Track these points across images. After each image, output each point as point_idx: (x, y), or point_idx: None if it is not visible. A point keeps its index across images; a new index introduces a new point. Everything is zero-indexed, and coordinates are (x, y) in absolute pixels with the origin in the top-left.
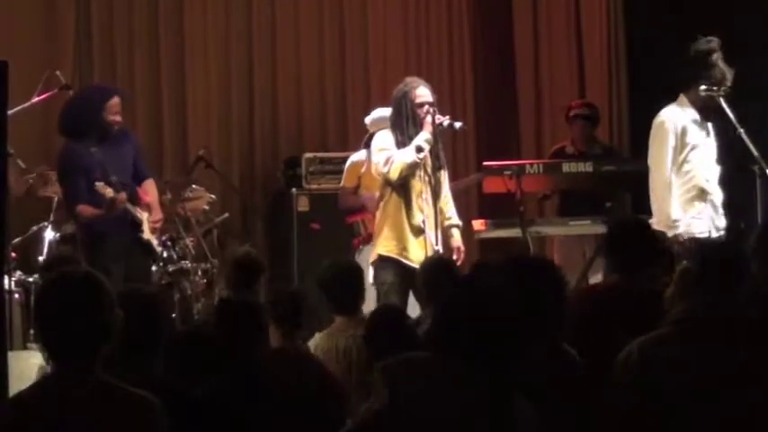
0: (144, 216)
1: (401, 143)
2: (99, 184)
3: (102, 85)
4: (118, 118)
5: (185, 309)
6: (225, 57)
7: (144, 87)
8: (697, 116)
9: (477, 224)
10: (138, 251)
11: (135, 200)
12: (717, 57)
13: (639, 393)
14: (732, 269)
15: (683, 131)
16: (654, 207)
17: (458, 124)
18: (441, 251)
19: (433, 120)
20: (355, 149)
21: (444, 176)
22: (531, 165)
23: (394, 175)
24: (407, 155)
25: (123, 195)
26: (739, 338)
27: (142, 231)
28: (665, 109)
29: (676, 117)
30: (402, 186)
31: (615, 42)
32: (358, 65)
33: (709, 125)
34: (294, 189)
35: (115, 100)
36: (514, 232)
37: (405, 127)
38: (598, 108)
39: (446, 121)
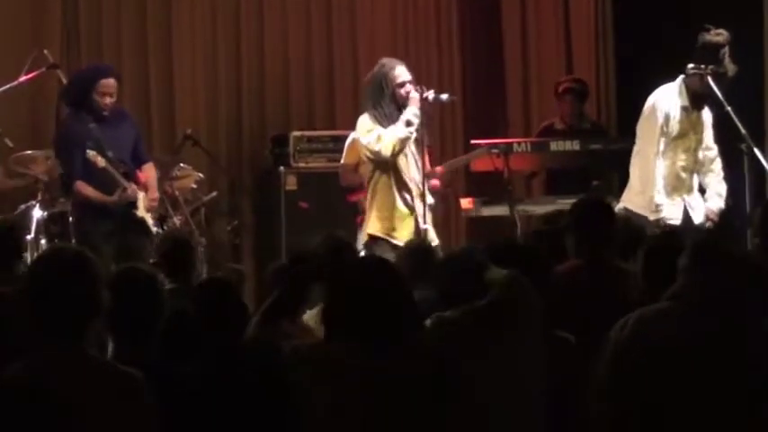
0: (140, 194)
1: (385, 123)
2: (90, 153)
3: (99, 65)
4: (107, 100)
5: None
6: (212, 35)
7: (131, 66)
8: (687, 104)
9: (465, 202)
10: (132, 228)
11: (132, 179)
12: (724, 52)
13: (632, 365)
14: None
15: (672, 117)
16: (634, 188)
17: (444, 96)
18: (428, 230)
19: (420, 95)
20: (343, 128)
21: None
22: (519, 143)
23: (387, 151)
24: (399, 130)
25: (134, 188)
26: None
27: (136, 209)
28: (660, 89)
29: (669, 101)
30: (389, 165)
31: (602, 17)
32: (345, 42)
33: (703, 116)
34: (282, 168)
35: (106, 81)
36: (502, 210)
37: (387, 107)
38: (587, 83)
39: (431, 94)
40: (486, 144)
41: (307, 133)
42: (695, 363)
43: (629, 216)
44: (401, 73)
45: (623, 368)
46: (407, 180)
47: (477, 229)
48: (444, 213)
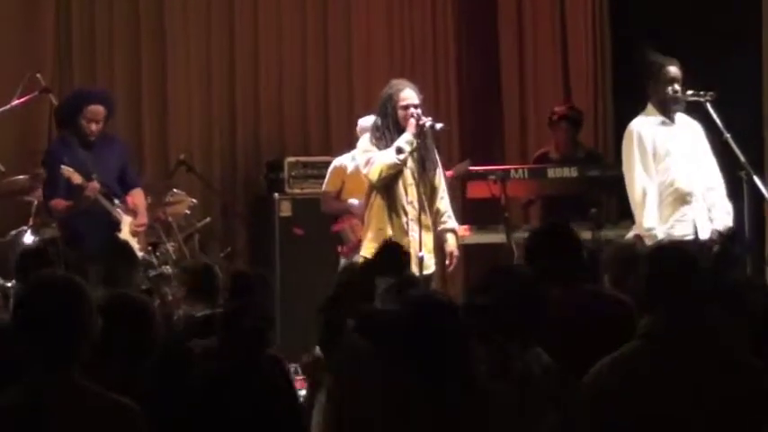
0: (126, 219)
1: (382, 146)
2: (65, 169)
3: (90, 89)
4: (93, 126)
5: (166, 315)
6: (206, 59)
7: (124, 90)
8: (664, 119)
9: (461, 230)
10: (115, 252)
11: (123, 205)
12: (668, 72)
13: (608, 414)
14: (690, 275)
15: (651, 140)
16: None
17: (438, 125)
18: (424, 257)
19: (417, 122)
20: (339, 153)
21: (439, 178)
22: (516, 169)
23: (373, 176)
24: (387, 156)
25: (95, 184)
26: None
27: (120, 231)
28: (633, 120)
29: (641, 126)
30: (386, 189)
31: (600, 46)
32: (341, 67)
33: (682, 121)
34: (276, 194)
35: (94, 108)
36: (499, 238)
37: (386, 130)
38: (581, 111)
39: (428, 122)
40: (483, 170)
41: (302, 159)
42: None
43: (626, 243)
44: (408, 96)
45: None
46: (403, 204)
47: (473, 256)
48: (439, 240)
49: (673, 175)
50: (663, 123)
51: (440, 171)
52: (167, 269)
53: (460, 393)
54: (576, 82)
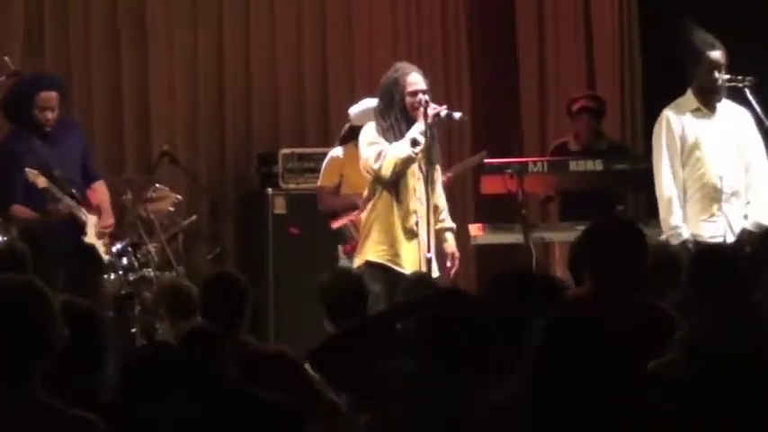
0: (91, 219)
1: (391, 137)
2: (30, 172)
3: (37, 75)
4: (48, 115)
5: (146, 323)
6: (192, 41)
7: (101, 75)
8: (700, 107)
9: (474, 229)
10: (81, 257)
11: (83, 200)
12: (709, 58)
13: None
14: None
15: (680, 128)
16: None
17: (457, 114)
18: (432, 258)
19: (425, 110)
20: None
21: (438, 173)
22: (535, 163)
23: (386, 171)
24: (402, 149)
25: (68, 202)
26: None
27: (85, 234)
28: (668, 106)
29: (672, 113)
30: (394, 184)
31: (628, 28)
32: (341, 49)
33: (725, 110)
34: (269, 189)
35: (46, 94)
36: (515, 238)
37: (395, 118)
38: (604, 100)
39: (443, 111)
40: (499, 163)
41: (297, 150)
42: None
43: (659, 244)
44: (415, 81)
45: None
46: (413, 201)
47: (487, 258)
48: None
49: (702, 169)
50: (698, 111)
51: (438, 167)
52: (149, 272)
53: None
54: (601, 67)
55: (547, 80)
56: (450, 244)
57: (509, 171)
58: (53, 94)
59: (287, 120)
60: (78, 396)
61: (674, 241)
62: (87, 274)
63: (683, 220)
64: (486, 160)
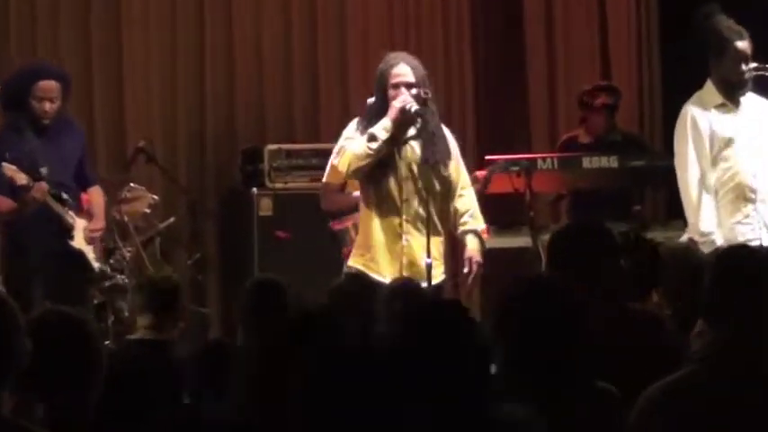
0: (80, 223)
1: (364, 132)
2: (6, 167)
3: (38, 63)
4: (47, 106)
5: (121, 334)
6: (170, 26)
7: (71, 65)
8: (724, 101)
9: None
10: (68, 263)
11: (75, 204)
12: (736, 48)
13: None
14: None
15: (707, 124)
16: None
17: (414, 107)
18: (430, 263)
19: (402, 106)
20: (329, 140)
21: (457, 172)
22: (544, 159)
23: (343, 168)
24: (358, 145)
25: (42, 185)
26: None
27: (72, 238)
28: (689, 100)
29: (697, 108)
30: (375, 184)
31: (646, 13)
32: (333, 36)
33: (749, 103)
34: (255, 189)
35: (45, 84)
36: (523, 241)
37: (376, 113)
38: (620, 90)
39: (413, 106)
40: (504, 160)
41: (285, 147)
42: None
43: (680, 246)
44: (400, 72)
45: None
46: (396, 203)
47: (492, 262)
48: (451, 244)
49: (734, 168)
50: (723, 106)
51: (456, 164)
52: (123, 279)
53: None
54: (616, 54)
55: (556, 70)
56: (471, 248)
57: (515, 168)
58: (53, 84)
59: (274, 113)
60: (63, 417)
61: (707, 249)
62: (73, 281)
63: (716, 225)
64: (490, 157)
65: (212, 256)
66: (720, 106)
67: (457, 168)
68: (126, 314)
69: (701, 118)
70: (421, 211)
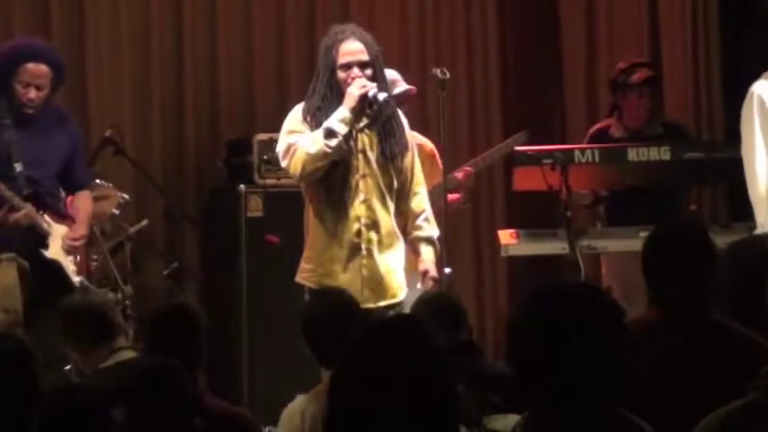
0: (58, 230)
1: (315, 124)
2: None
3: (28, 42)
4: (32, 93)
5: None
6: (144, 7)
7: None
8: None
9: (505, 236)
10: (41, 276)
11: (55, 208)
12: None
13: None
14: None
15: None
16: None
17: (381, 95)
18: (450, 273)
19: (364, 93)
20: None
21: (411, 165)
22: (582, 151)
23: (295, 170)
24: (314, 142)
25: (30, 211)
26: None
27: (46, 247)
28: (756, 81)
29: (764, 89)
30: (324, 185)
31: None
32: (331, 12)
33: None
34: (242, 186)
35: (34, 67)
36: (558, 247)
37: (322, 99)
38: (660, 73)
39: (371, 90)
40: (536, 152)
41: (277, 137)
42: None
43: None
44: (352, 49)
45: None
46: (352, 206)
47: (521, 272)
48: (474, 250)
49: None
50: None
51: (412, 155)
52: None
53: None
54: (667, 30)
55: (597, 49)
56: (425, 259)
57: (549, 162)
58: (43, 69)
59: (264, 98)
60: None
61: None
62: (51, 296)
63: None
64: (519, 148)
65: (192, 266)
66: None
67: (412, 161)
68: None
69: (764, 97)
70: (383, 214)
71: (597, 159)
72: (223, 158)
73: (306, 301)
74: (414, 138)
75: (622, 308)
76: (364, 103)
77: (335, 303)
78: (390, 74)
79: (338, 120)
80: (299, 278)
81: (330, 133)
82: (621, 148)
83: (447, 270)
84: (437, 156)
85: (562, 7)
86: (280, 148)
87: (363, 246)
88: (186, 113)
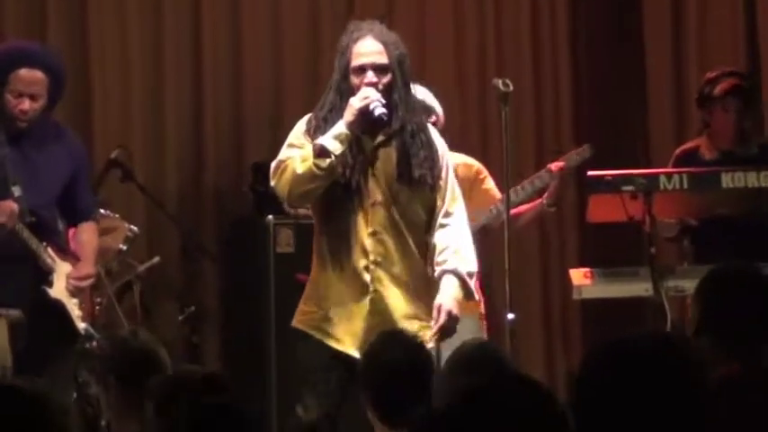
0: (62, 267)
1: (317, 137)
2: None
3: (23, 46)
4: (25, 104)
5: (90, 416)
6: (155, 9)
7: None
8: None
9: (577, 276)
10: (43, 318)
11: (58, 241)
12: None
13: None
14: None
15: None
16: None
17: (379, 111)
18: (513, 318)
19: (366, 105)
20: None
21: (444, 191)
22: (669, 176)
23: (283, 192)
24: (303, 161)
25: (11, 204)
26: None
27: (50, 285)
28: None
29: None
30: (324, 210)
31: None
32: (373, 13)
33: None
34: (270, 216)
35: (28, 73)
36: (640, 289)
37: (331, 108)
38: (754, 82)
39: (374, 103)
40: (614, 177)
41: None
42: None
43: None
44: (368, 50)
45: None
46: (361, 239)
47: (597, 316)
48: (542, 292)
49: None
50: None
51: (448, 180)
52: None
53: None
54: (766, 35)
55: (686, 57)
56: (444, 294)
57: (630, 189)
58: (38, 75)
59: (295, 115)
60: None
61: None
62: (54, 341)
63: None
64: (593, 172)
65: (211, 310)
66: None
67: (445, 188)
68: (93, 390)
69: None
70: (397, 248)
71: (686, 186)
72: (248, 184)
73: (305, 352)
74: (451, 159)
75: (707, 362)
76: (366, 118)
77: (410, 348)
78: (422, 93)
79: (333, 136)
80: (295, 322)
81: (322, 152)
82: (715, 173)
83: (510, 316)
84: (482, 176)
85: (645, 6)
86: (274, 164)
87: (370, 287)
88: (205, 132)
